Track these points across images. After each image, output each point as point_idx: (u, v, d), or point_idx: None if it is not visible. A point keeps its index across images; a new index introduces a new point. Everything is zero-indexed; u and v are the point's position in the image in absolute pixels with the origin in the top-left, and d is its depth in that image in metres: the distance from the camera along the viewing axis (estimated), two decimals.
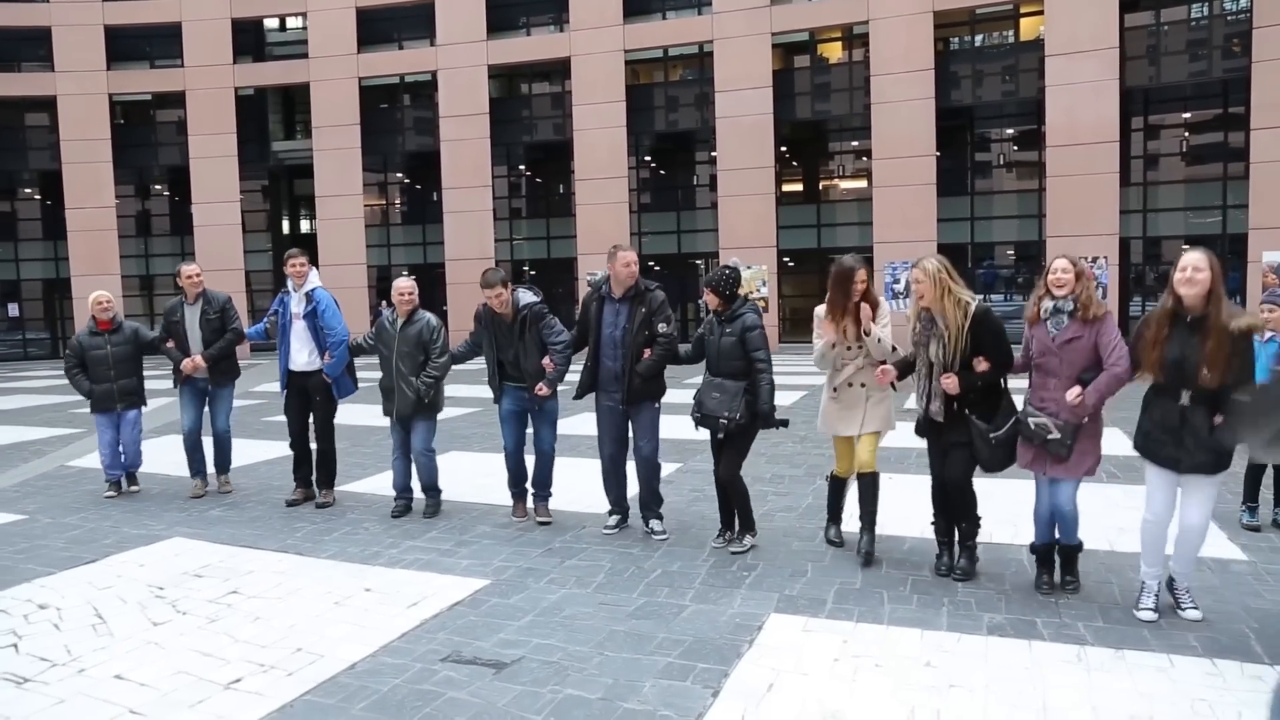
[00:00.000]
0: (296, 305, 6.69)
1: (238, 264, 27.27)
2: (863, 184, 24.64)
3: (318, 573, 5.14)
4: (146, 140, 28.73)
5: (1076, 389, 4.26)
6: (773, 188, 23.91)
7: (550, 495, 6.25)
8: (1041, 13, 21.62)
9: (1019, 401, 4.64)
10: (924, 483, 5.49)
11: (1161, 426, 4.08)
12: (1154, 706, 3.31)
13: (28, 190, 30.08)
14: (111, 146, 27.44)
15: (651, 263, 26.11)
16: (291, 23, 28.45)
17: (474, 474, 7.86)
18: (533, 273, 28.14)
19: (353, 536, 5.93)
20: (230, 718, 3.36)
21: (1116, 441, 7.50)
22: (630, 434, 5.80)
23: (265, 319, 6.93)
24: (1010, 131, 24.88)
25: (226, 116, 27.27)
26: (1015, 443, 4.52)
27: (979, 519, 4.87)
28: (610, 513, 6.01)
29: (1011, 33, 23.40)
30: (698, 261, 26.39)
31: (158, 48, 27.75)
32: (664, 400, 5.81)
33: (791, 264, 25.46)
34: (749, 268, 23.84)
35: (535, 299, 6.02)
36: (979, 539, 4.92)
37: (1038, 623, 4.14)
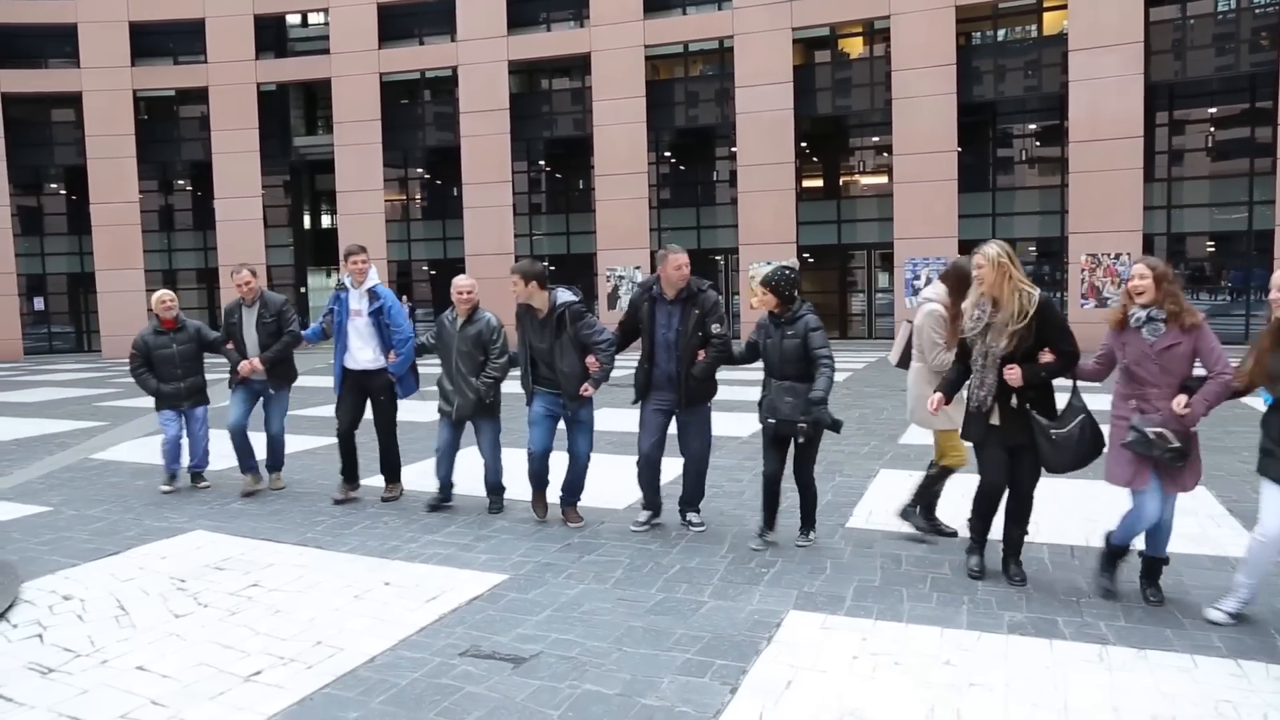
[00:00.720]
0: (358, 302, 6.57)
1: (259, 258, 27.42)
2: (883, 180, 24.51)
3: (338, 566, 5.17)
4: (170, 136, 28.98)
5: (1183, 397, 4.10)
6: (793, 183, 23.82)
7: (579, 501, 6.13)
8: (1064, 7, 21.42)
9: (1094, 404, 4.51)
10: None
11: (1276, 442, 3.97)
12: (1177, 707, 3.28)
13: (53, 185, 30.42)
14: (135, 142, 27.71)
15: (774, 265, 26.07)
16: (313, 18, 28.60)
17: None
18: (552, 268, 28.19)
19: (372, 530, 5.96)
20: (251, 709, 3.39)
21: None
22: (677, 433, 5.76)
23: (321, 319, 6.83)
24: (1033, 127, 24.67)
25: (249, 112, 27.47)
26: (1082, 442, 4.35)
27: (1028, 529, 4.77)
28: (643, 507, 5.96)
29: (1034, 27, 23.19)
30: (717, 258, 26.35)
31: (181, 44, 27.97)
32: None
33: (811, 260, 25.36)
34: (768, 264, 23.79)
35: (574, 298, 5.86)
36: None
37: (1059, 622, 4.10)
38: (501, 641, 4.01)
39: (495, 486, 6.45)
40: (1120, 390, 4.35)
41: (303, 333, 7.11)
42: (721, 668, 3.68)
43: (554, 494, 6.16)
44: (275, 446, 7.30)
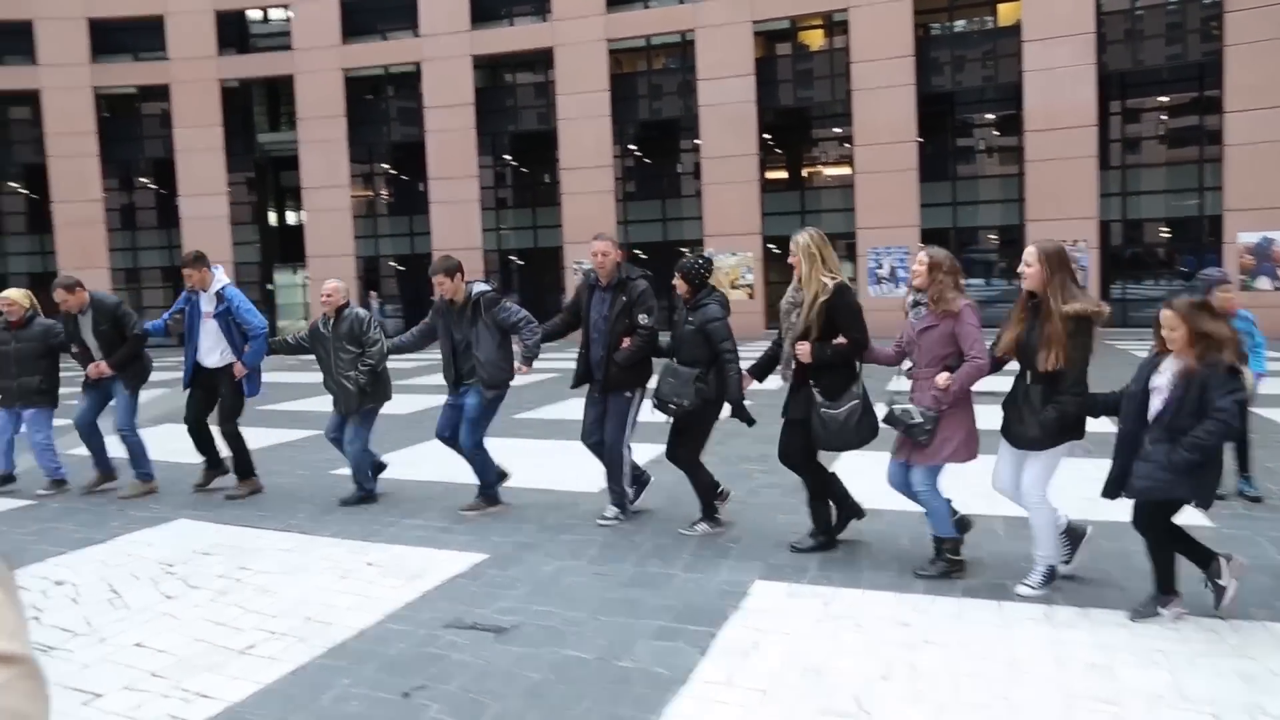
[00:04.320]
0: (207, 304, 6.75)
1: (225, 256, 27.27)
2: (846, 170, 24.88)
3: (322, 549, 5.35)
4: (132, 134, 28.72)
5: (945, 375, 4.42)
6: (757, 175, 24.12)
7: (488, 490, 6.18)
8: None
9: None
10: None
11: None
12: (1114, 656, 3.56)
13: (12, 184, 29.98)
14: (98, 140, 27.42)
15: (637, 250, 26.27)
16: (275, 14, 28.42)
17: None
18: (520, 262, 28.29)
19: (353, 517, 6.13)
20: (247, 679, 3.57)
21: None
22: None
23: (168, 315, 7.05)
24: (990, 116, 25.16)
25: (212, 109, 27.29)
26: (848, 426, 4.73)
27: (826, 494, 5.08)
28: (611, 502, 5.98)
29: (991, 18, 23.67)
30: (683, 250, 26.57)
31: (141, 40, 27.69)
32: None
33: (777, 251, 25.68)
34: (734, 255, 24.08)
35: (487, 287, 6.11)
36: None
37: (1008, 585, 4.38)
38: (484, 614, 4.21)
39: (355, 476, 6.55)
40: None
41: (147, 326, 7.13)
42: (692, 633, 3.92)
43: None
44: (129, 449, 7.03)
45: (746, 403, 5.36)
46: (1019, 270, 4.33)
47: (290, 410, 11.03)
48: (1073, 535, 4.53)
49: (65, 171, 27.18)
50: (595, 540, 5.40)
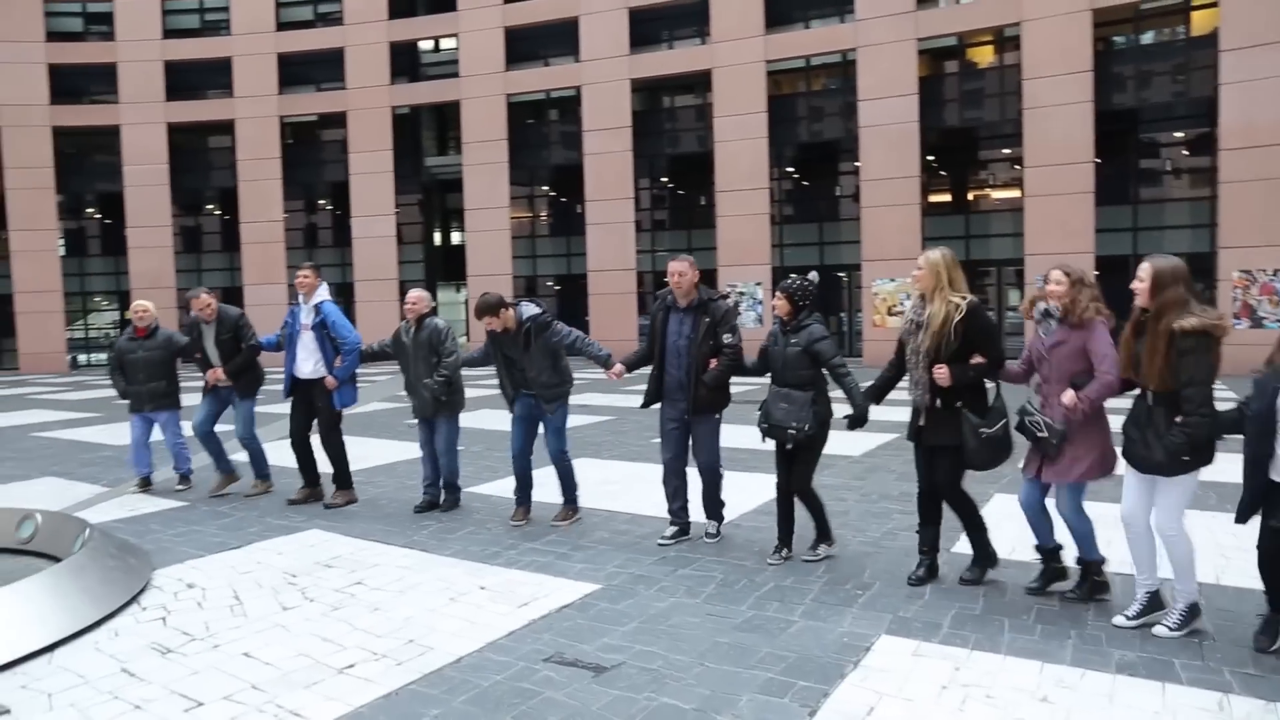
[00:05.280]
0: (306, 317, 7.05)
1: (392, 274, 28.71)
2: (1014, 193, 23.58)
3: (438, 569, 5.33)
4: (312, 158, 30.73)
5: (1070, 393, 4.36)
6: (918, 198, 23.19)
7: (573, 499, 6.52)
8: (1215, 4, 20.12)
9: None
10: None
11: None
12: None
13: (210, 206, 32.64)
14: (281, 165, 29.51)
15: (793, 275, 25.72)
16: (445, 44, 29.78)
17: (601, 480, 7.98)
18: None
19: (476, 536, 6.12)
20: (340, 700, 3.53)
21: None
22: (691, 444, 5.85)
23: (279, 331, 7.38)
24: (1179, 135, 23.25)
25: (384, 134, 28.81)
26: (1004, 442, 4.67)
27: (981, 520, 4.96)
28: (670, 523, 5.98)
29: (1182, 28, 21.89)
30: (840, 274, 25.90)
31: (323, 72, 29.61)
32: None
33: None
34: (892, 280, 23.23)
35: (538, 310, 6.28)
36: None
37: (1175, 664, 3.81)
38: (585, 650, 4.04)
39: (450, 484, 6.93)
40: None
41: (261, 340, 7.55)
42: (803, 689, 3.60)
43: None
44: (250, 454, 7.66)
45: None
46: (1131, 286, 4.19)
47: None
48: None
49: (252, 194, 29.37)
50: (714, 576, 5.15)
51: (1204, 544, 5.60)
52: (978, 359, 4.65)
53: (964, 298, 4.67)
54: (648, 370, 5.99)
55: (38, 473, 9.16)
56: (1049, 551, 4.76)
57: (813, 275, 5.84)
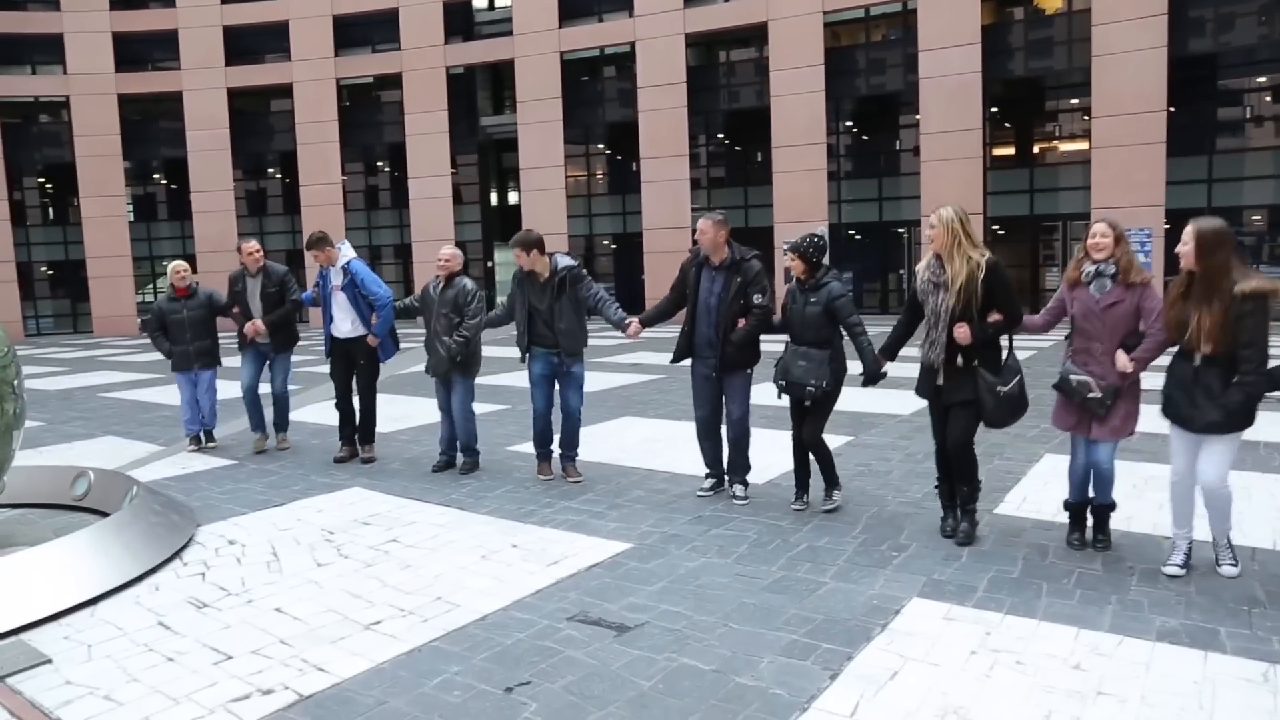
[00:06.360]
0: (336, 278, 7.15)
1: (448, 234, 28.89)
2: (1082, 145, 22.70)
3: (472, 527, 5.37)
4: (369, 120, 30.94)
5: (1123, 355, 4.39)
6: (980, 151, 22.49)
7: (577, 455, 6.57)
8: None
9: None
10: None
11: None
12: None
13: (271, 170, 33.18)
14: (339, 127, 29.79)
15: (851, 231, 25.29)
16: (498, 1, 29.62)
17: (643, 438, 7.98)
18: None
19: (513, 495, 6.15)
20: (364, 655, 3.58)
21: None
22: (723, 400, 5.88)
23: (312, 288, 7.50)
24: (1262, 80, 22.06)
25: (439, 95, 28.88)
26: (1020, 400, 4.69)
27: (979, 482, 4.95)
28: (706, 475, 6.09)
29: None
30: (900, 230, 25.33)
31: (378, 33, 29.71)
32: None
33: (1001, 232, 23.91)
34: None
35: (573, 263, 6.35)
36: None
37: (1221, 632, 3.65)
38: (610, 609, 4.03)
39: (466, 447, 6.90)
40: (1074, 345, 4.64)
41: (302, 296, 7.71)
42: (826, 652, 3.54)
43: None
44: (280, 406, 7.89)
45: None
46: (1177, 250, 4.19)
47: (485, 384, 11.39)
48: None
49: (311, 157, 29.75)
50: (748, 536, 5.09)
51: (1264, 506, 5.40)
52: (995, 316, 4.64)
53: (983, 254, 4.65)
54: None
55: (100, 431, 9.48)
56: (1104, 507, 4.78)
57: (821, 229, 5.79)
